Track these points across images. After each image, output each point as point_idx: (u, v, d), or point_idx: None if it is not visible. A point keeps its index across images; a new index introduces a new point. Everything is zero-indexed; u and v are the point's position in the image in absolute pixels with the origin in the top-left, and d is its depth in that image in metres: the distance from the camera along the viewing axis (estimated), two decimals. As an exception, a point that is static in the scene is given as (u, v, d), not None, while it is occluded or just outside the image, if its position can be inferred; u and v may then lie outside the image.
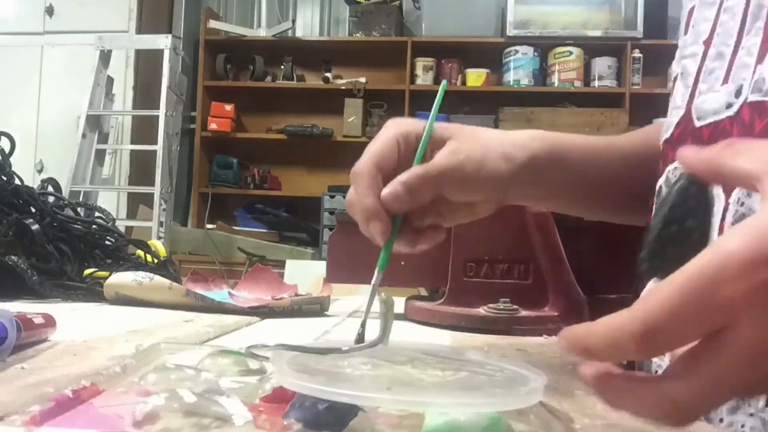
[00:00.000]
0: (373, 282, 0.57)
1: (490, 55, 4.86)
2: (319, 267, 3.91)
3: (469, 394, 0.41)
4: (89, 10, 4.87)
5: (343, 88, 4.87)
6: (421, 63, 4.83)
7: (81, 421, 0.38)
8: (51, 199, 1.28)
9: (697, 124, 0.62)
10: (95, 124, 4.30)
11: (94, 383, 0.44)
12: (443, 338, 0.87)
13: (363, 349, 0.48)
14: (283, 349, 0.47)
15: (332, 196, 4.54)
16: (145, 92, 4.79)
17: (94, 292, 1.10)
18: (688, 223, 0.41)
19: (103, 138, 4.43)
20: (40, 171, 4.73)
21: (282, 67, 4.99)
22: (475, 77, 4.82)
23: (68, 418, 0.38)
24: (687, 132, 0.64)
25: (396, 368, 0.46)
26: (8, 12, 5.03)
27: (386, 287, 1.27)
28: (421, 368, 0.46)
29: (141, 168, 4.74)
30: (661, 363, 0.63)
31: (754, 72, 0.55)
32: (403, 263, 1.01)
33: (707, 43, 0.63)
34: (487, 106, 4.75)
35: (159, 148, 4.11)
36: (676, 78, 0.70)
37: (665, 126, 0.69)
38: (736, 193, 0.54)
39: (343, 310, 1.11)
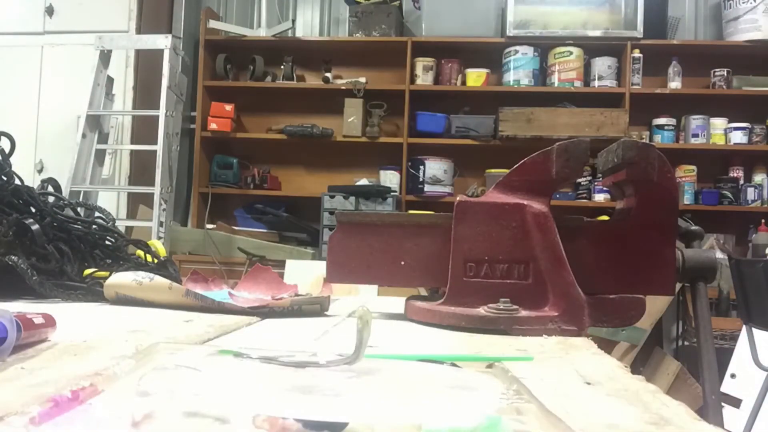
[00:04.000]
0: None
1: (490, 55, 4.85)
2: (319, 267, 3.91)
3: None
4: (89, 10, 4.87)
5: (343, 88, 4.87)
6: (421, 63, 4.83)
7: (80, 422, 0.38)
8: (51, 199, 1.28)
9: None
10: (95, 124, 4.30)
11: (93, 384, 0.43)
12: (443, 338, 0.87)
13: (338, 364, 0.49)
14: (264, 360, 0.47)
15: (332, 196, 4.53)
16: (145, 92, 4.79)
17: (94, 292, 1.09)
18: None
19: (103, 138, 4.43)
20: (40, 171, 4.73)
21: (282, 67, 4.99)
22: (475, 77, 4.82)
23: (67, 419, 0.38)
24: None
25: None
26: (8, 12, 5.03)
27: (386, 287, 1.27)
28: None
29: (141, 168, 4.74)
30: None
31: None
32: (403, 263, 1.01)
33: None
34: (487, 106, 4.75)
35: (159, 148, 4.11)
36: None
37: None
38: None
39: (343, 310, 1.11)
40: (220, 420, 0.39)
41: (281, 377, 0.48)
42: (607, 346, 3.54)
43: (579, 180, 4.62)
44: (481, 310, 0.91)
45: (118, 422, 0.38)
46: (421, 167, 4.76)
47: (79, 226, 1.23)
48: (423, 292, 1.18)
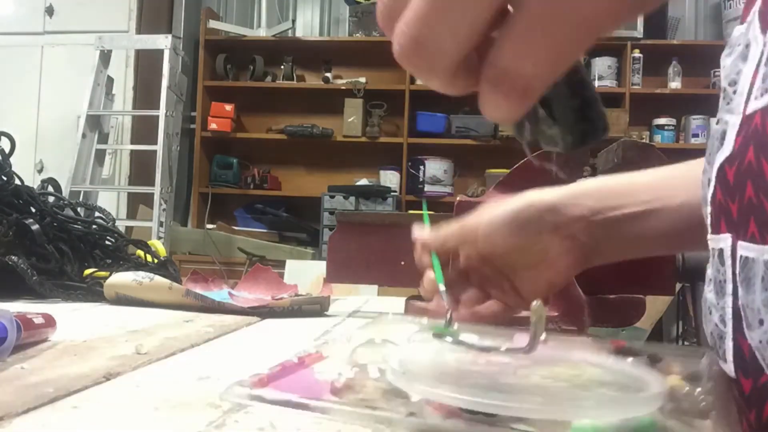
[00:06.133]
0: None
1: (490, 55, 4.85)
2: (319, 267, 3.91)
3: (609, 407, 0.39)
4: (89, 10, 4.87)
5: (343, 88, 4.87)
6: (421, 63, 4.83)
7: (287, 385, 0.41)
8: (51, 199, 1.28)
9: None
10: (95, 124, 4.30)
11: (319, 351, 0.47)
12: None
13: (516, 353, 0.49)
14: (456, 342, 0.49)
15: (332, 196, 4.53)
16: (145, 92, 4.79)
17: (94, 292, 1.09)
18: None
19: (103, 138, 4.43)
20: (40, 171, 4.73)
21: (282, 67, 4.99)
22: (475, 77, 4.81)
23: (284, 381, 0.41)
24: None
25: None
26: (8, 12, 5.03)
27: (386, 287, 1.26)
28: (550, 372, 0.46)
29: (141, 168, 4.74)
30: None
31: None
32: (403, 263, 1.01)
33: None
34: (487, 106, 4.75)
35: (159, 148, 4.11)
36: None
37: None
38: None
39: (343, 310, 1.11)
40: (402, 397, 0.39)
41: (465, 361, 0.48)
42: (607, 346, 3.53)
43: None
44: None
45: (318, 387, 0.40)
46: (421, 167, 4.76)
47: (79, 226, 1.23)
48: (423, 292, 1.17)
